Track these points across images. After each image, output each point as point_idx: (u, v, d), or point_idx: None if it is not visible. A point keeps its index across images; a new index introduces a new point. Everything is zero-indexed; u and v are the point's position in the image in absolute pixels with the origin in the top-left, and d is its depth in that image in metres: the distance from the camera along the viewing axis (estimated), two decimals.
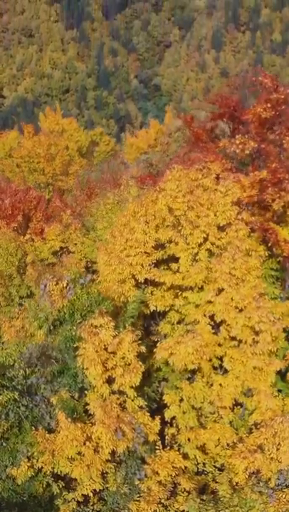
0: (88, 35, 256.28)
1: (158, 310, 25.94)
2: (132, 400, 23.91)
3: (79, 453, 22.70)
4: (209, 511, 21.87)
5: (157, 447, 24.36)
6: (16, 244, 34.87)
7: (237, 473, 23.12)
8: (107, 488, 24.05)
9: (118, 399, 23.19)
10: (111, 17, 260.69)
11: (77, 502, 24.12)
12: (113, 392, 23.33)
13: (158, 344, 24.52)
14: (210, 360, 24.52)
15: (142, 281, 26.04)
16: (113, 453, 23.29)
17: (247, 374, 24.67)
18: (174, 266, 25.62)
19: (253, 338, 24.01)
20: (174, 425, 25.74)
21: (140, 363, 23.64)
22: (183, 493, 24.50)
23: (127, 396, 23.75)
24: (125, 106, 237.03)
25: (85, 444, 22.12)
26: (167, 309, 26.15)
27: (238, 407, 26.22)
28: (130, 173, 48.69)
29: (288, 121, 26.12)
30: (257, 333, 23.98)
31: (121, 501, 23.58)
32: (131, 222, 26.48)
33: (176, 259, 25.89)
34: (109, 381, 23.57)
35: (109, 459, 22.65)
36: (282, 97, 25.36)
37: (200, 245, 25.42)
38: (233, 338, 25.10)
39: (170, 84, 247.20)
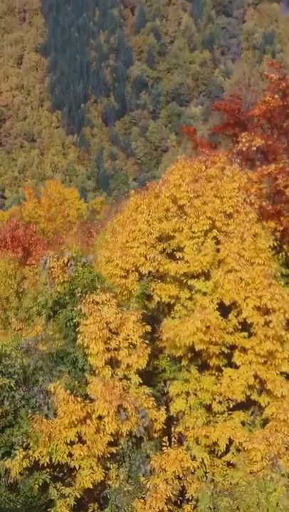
0: (88, 140, 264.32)
1: (162, 301, 24.64)
2: (137, 388, 22.28)
3: (79, 437, 20.82)
4: (224, 499, 19.75)
5: (164, 443, 22.44)
6: (14, 266, 33.89)
7: (255, 462, 21.10)
8: (108, 485, 21.94)
9: (121, 380, 21.58)
10: (110, 123, 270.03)
11: (76, 504, 21.98)
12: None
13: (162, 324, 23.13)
14: (218, 344, 22.93)
15: (146, 273, 24.93)
16: (115, 443, 21.41)
17: (259, 364, 23.16)
18: (179, 254, 24.60)
19: (265, 319, 22.66)
20: (181, 424, 23.88)
21: (146, 342, 22.22)
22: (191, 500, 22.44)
23: (130, 381, 22.13)
24: None
25: (85, 421, 20.27)
26: (172, 302, 24.87)
27: (249, 413, 24.43)
28: None
29: None
30: (268, 313, 22.66)
31: (124, 499, 21.41)
32: (133, 214, 25.68)
33: (181, 251, 24.91)
34: (112, 364, 22.04)
35: (112, 440, 20.73)
36: None
37: (206, 233, 24.53)
38: (243, 328, 23.77)
39: None
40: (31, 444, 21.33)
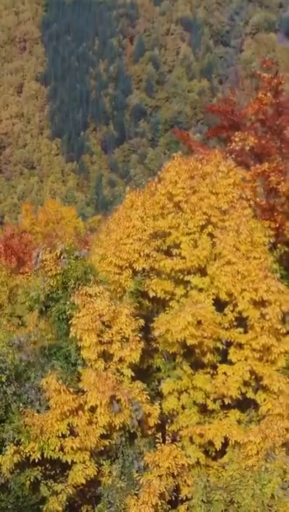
0: (87, 167, 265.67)
1: (158, 296, 24.34)
2: (130, 384, 21.89)
3: (71, 431, 20.39)
4: (217, 492, 19.26)
5: (158, 440, 21.95)
6: (7, 273, 33.70)
7: (250, 456, 20.61)
8: (101, 482, 21.43)
9: (114, 374, 21.20)
10: (109, 151, 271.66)
11: (68, 504, 21.47)
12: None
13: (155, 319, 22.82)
14: (211, 338, 22.58)
15: (140, 270, 24.66)
16: (109, 437, 20.97)
17: (254, 360, 22.80)
18: (175, 251, 24.40)
19: (261, 312, 22.36)
20: (175, 423, 23.43)
21: (139, 336, 21.89)
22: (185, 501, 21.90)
23: (123, 376, 21.75)
24: None
25: (77, 413, 19.86)
26: (168, 298, 24.57)
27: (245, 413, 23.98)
28: None
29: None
30: (265, 306, 22.38)
31: (117, 496, 20.88)
32: (128, 212, 25.53)
33: (177, 248, 24.70)
34: (105, 357, 21.68)
35: (104, 433, 20.29)
36: (282, 82, 25.32)
37: (202, 229, 24.36)
38: (239, 324, 23.47)
39: None
40: (22, 440, 20.90)
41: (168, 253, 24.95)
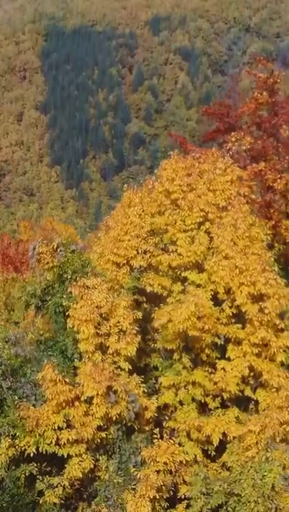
0: (87, 194, 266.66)
1: (155, 291, 24.16)
2: (128, 378, 21.64)
3: (67, 424, 20.09)
4: (217, 483, 18.91)
5: (155, 435, 21.62)
6: (3, 279, 33.61)
7: (249, 447, 20.27)
8: (98, 477, 21.08)
9: (111, 366, 20.96)
10: (109, 178, 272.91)
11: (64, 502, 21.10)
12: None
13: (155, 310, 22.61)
14: (210, 331, 22.37)
15: (138, 267, 24.55)
16: (105, 430, 20.67)
17: (253, 355, 22.59)
18: (172, 248, 24.32)
19: (260, 306, 22.18)
20: (173, 420, 23.11)
21: (136, 329, 21.70)
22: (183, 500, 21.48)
23: (121, 369, 21.51)
24: None
25: (73, 404, 19.59)
26: (165, 294, 24.40)
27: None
28: None
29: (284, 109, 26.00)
30: (263, 299, 22.21)
31: (113, 491, 20.50)
32: (126, 209, 25.51)
33: (174, 245, 24.62)
34: (102, 350, 21.47)
35: (101, 425, 19.98)
36: (278, 80, 25.48)
37: (199, 226, 24.31)
38: (238, 321, 23.28)
39: None
40: (18, 434, 20.61)
41: (165, 250, 24.86)
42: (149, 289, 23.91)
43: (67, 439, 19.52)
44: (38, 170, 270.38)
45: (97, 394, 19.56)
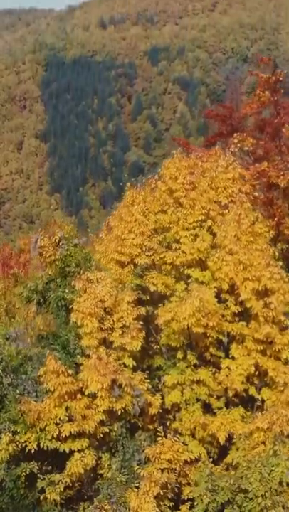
0: (86, 221, 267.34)
1: (158, 290, 23.86)
2: (132, 374, 21.24)
3: (69, 418, 19.64)
4: (223, 478, 18.40)
5: (159, 433, 21.13)
6: (4, 286, 33.30)
7: (257, 445, 19.78)
8: (101, 475, 20.55)
9: (115, 361, 20.58)
10: (108, 205, 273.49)
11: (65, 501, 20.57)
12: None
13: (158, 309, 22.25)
14: (215, 328, 22.02)
15: (142, 264, 24.27)
16: (109, 424, 20.21)
17: (258, 353, 22.21)
18: (175, 246, 24.10)
19: (265, 302, 21.85)
20: (178, 420, 22.65)
21: (140, 323, 21.36)
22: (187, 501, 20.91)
23: (125, 366, 21.11)
24: None
25: (75, 396, 19.16)
26: (168, 293, 24.10)
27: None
28: None
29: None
30: (268, 294, 21.89)
31: (116, 489, 19.96)
32: (130, 208, 25.34)
33: (177, 243, 24.41)
34: (106, 345, 21.11)
35: (104, 419, 19.52)
36: (281, 78, 25.50)
37: (201, 224, 24.12)
38: (243, 319, 22.95)
39: None
40: (18, 430, 20.16)
41: (169, 249, 24.64)
42: (152, 288, 23.62)
43: (69, 432, 19.03)
44: (37, 198, 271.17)
45: (102, 387, 19.13)
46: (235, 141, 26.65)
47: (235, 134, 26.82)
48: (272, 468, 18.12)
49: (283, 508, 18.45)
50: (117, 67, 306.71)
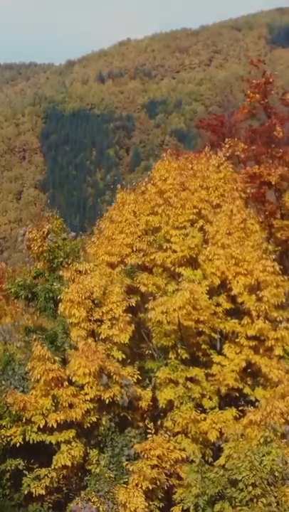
0: None
1: (149, 290, 23.47)
2: (122, 368, 20.69)
3: (56, 407, 19.03)
4: (213, 469, 17.68)
5: (149, 430, 20.42)
6: None
7: (250, 440, 19.06)
8: (89, 471, 19.79)
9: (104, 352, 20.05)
10: None
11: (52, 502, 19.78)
12: None
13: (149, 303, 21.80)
14: (206, 323, 21.57)
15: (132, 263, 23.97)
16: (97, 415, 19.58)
17: (250, 349, 21.73)
18: (166, 245, 23.82)
19: (258, 296, 21.46)
20: (169, 418, 21.94)
21: (130, 316, 20.92)
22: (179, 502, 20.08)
23: (113, 358, 20.58)
24: None
25: (62, 384, 18.58)
26: (159, 294, 23.66)
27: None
28: None
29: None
30: (260, 288, 21.52)
31: (104, 485, 19.18)
32: (120, 208, 25.19)
33: (168, 242, 24.13)
34: (94, 337, 20.63)
35: (91, 408, 18.89)
36: (271, 80, 25.64)
37: (192, 223, 23.92)
38: (235, 317, 22.54)
39: None
40: (4, 424, 19.54)
41: (159, 249, 24.36)
42: (143, 288, 23.24)
43: (56, 422, 18.38)
44: None
45: (89, 373, 18.57)
46: (227, 146, 26.63)
47: (226, 140, 26.83)
48: (263, 458, 17.40)
49: (275, 497, 17.65)
50: (115, 120, 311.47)
